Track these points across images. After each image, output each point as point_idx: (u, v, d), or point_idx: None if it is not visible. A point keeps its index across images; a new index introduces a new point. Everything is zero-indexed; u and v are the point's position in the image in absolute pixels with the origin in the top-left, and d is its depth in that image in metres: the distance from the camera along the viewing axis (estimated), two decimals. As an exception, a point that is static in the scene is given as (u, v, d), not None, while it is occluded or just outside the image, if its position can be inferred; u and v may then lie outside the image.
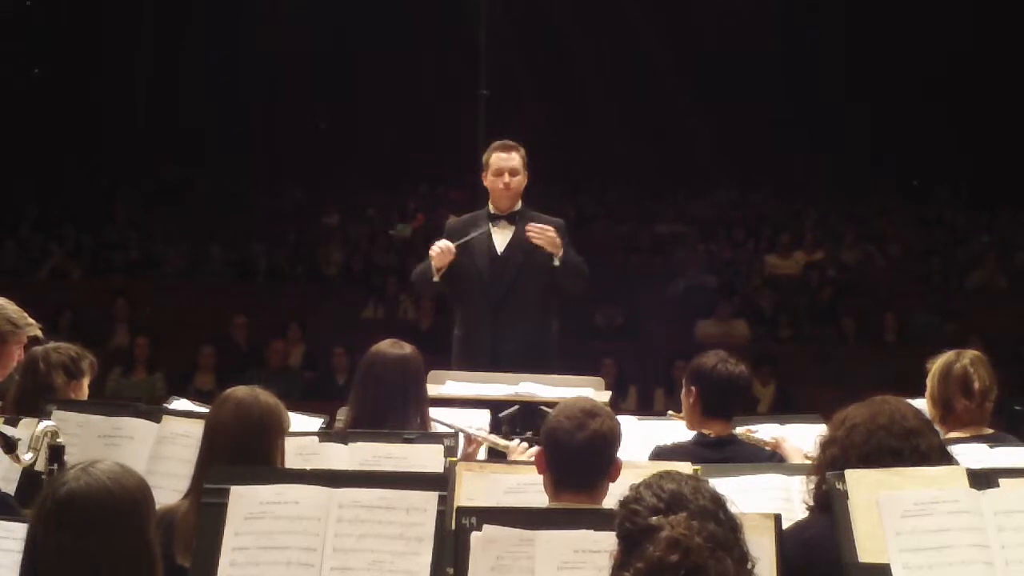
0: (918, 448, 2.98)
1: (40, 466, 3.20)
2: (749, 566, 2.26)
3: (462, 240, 5.51)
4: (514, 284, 5.52)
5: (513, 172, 5.55)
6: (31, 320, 4.26)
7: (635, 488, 2.37)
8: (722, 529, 2.25)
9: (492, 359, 5.32)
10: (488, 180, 5.61)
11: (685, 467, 3.41)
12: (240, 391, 3.34)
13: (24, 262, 13.17)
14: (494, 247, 5.59)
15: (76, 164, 15.32)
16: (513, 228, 5.58)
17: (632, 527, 2.29)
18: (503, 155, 5.59)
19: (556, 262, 5.45)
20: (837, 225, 14.54)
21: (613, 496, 3.15)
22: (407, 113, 15.51)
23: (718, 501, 2.32)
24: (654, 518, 2.26)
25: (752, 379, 4.51)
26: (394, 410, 4.01)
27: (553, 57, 15.64)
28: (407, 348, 4.16)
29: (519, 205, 5.64)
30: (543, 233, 5.40)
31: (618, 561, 2.30)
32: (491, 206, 5.64)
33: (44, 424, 3.18)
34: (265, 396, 3.32)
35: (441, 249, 5.45)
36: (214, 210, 14.81)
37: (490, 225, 5.60)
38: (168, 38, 15.95)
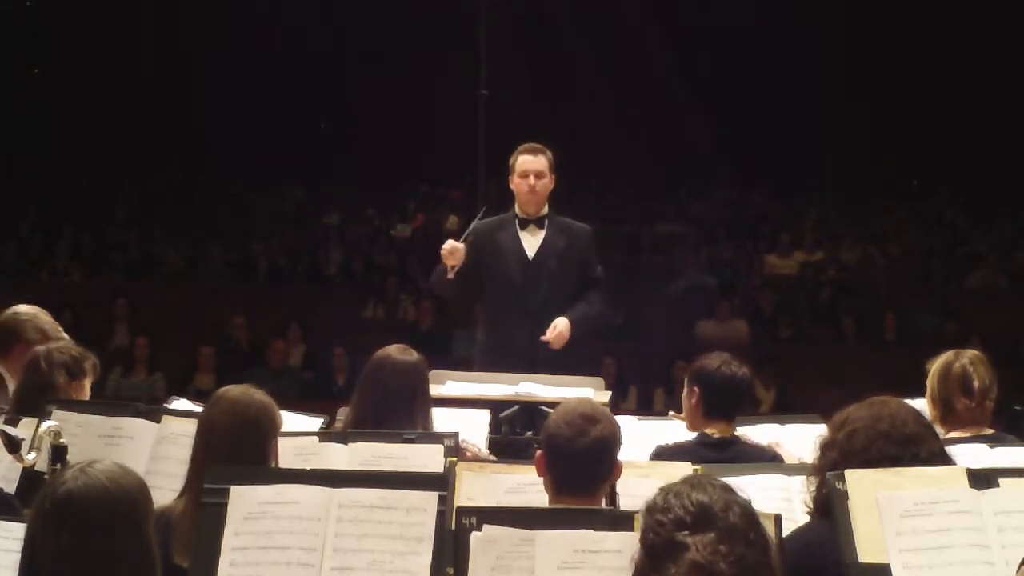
0: (918, 455, 2.98)
1: (43, 466, 3.20)
2: None
3: (467, 234, 5.48)
4: (548, 289, 5.50)
5: (539, 175, 5.53)
6: (64, 334, 4.32)
7: (663, 495, 2.23)
8: (752, 551, 2.13)
9: (530, 363, 5.25)
10: (514, 183, 5.58)
11: (685, 467, 3.42)
12: (234, 391, 3.32)
13: (24, 262, 13.18)
14: (525, 252, 5.56)
15: (76, 164, 15.32)
16: (543, 233, 5.57)
17: (656, 539, 2.17)
18: (529, 157, 5.56)
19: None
20: (837, 225, 14.55)
21: (624, 496, 3.16)
22: (407, 113, 15.51)
23: (749, 518, 2.19)
24: (680, 534, 2.14)
25: (754, 382, 4.50)
26: (400, 416, 4.00)
27: (553, 57, 15.64)
28: (415, 355, 4.14)
29: (546, 209, 5.62)
30: (558, 339, 5.36)
31: (639, 570, 2.21)
32: (518, 210, 5.61)
33: (47, 424, 3.18)
34: (259, 395, 3.31)
35: (449, 249, 5.43)
36: (214, 210, 14.82)
37: (518, 229, 5.58)
38: (168, 38, 15.94)
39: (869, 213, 15.02)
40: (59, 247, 13.25)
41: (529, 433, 4.66)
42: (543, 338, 5.35)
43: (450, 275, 5.44)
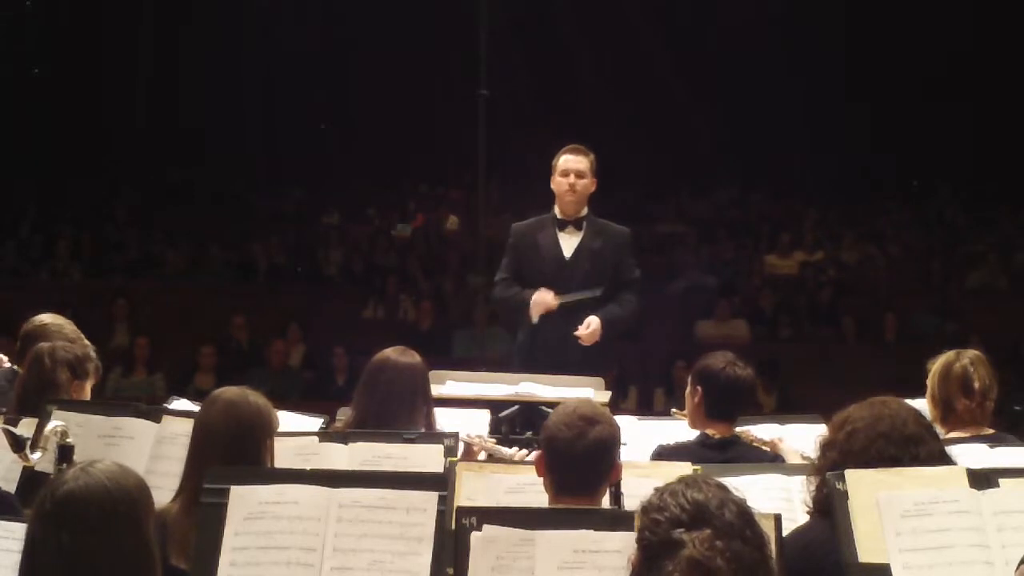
0: (917, 456, 2.99)
1: (47, 466, 3.20)
2: None
3: (568, 300, 5.50)
4: (581, 290, 5.56)
5: (580, 174, 5.62)
6: (88, 345, 4.40)
7: (659, 494, 2.23)
8: (748, 548, 2.13)
9: (561, 364, 5.29)
10: (555, 182, 5.66)
11: (686, 467, 3.42)
12: (230, 392, 3.33)
13: (24, 262, 13.18)
14: (561, 253, 5.65)
15: (76, 164, 15.31)
16: (580, 234, 5.66)
17: (652, 537, 2.18)
18: (571, 157, 5.65)
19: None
20: (837, 225, 14.54)
21: (625, 496, 3.16)
22: (407, 113, 15.50)
23: (745, 516, 2.19)
24: (676, 532, 2.15)
25: (757, 383, 4.51)
26: (400, 420, 3.99)
27: (553, 57, 15.63)
28: (416, 357, 4.14)
29: (585, 211, 5.69)
30: (590, 336, 5.44)
31: (636, 570, 2.21)
32: (557, 210, 5.69)
33: (53, 423, 3.18)
34: (255, 397, 3.31)
35: (539, 302, 5.48)
36: (214, 210, 14.81)
37: (557, 230, 5.66)
38: (168, 38, 15.93)
39: (869, 213, 15.02)
40: (59, 247, 13.24)
41: (529, 433, 4.66)
42: (575, 333, 5.41)
43: (535, 320, 5.51)
